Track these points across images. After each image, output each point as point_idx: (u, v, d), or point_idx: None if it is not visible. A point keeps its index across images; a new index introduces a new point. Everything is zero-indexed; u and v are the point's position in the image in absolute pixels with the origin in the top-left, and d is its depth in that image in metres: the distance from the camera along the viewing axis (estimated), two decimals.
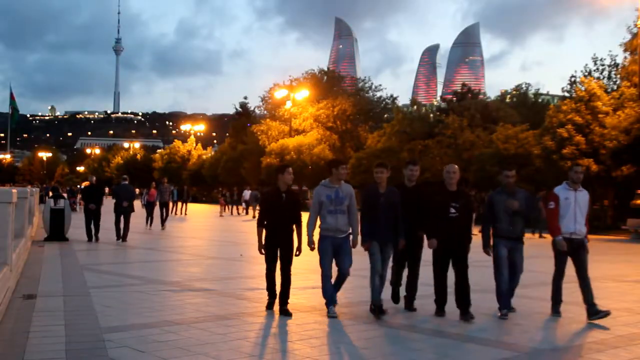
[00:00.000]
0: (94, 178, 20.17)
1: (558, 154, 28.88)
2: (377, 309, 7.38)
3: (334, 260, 7.48)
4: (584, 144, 28.65)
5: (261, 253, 7.81)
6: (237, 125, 73.18)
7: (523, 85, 53.42)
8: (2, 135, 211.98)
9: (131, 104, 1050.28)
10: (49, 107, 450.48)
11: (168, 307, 7.92)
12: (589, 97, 29.62)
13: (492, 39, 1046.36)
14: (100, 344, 5.93)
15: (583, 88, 30.28)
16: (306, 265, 10.71)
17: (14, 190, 9.09)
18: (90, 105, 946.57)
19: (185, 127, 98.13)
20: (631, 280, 11.25)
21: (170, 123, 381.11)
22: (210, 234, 23.33)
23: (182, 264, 13.32)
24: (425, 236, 7.74)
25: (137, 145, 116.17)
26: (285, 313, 7.41)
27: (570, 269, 7.74)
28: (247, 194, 41.17)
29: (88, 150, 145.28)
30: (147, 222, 23.67)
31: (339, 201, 7.40)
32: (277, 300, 7.72)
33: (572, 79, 33.12)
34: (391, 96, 61.48)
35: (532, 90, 53.22)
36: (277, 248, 7.62)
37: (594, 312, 7.43)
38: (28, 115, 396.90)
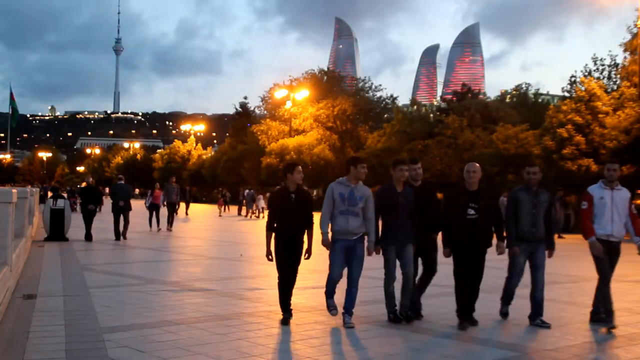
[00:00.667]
0: (91, 179, 20.44)
1: (558, 154, 28.87)
2: (394, 318, 7.04)
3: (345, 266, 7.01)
4: (584, 144, 28.64)
5: (269, 259, 7.22)
6: (237, 125, 73.20)
7: (523, 85, 53.43)
8: (2, 135, 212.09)
9: (131, 104, 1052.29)
10: (49, 107, 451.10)
11: (168, 307, 7.92)
12: (589, 97, 29.61)
13: (492, 39, 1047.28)
14: (100, 344, 5.93)
15: (583, 88, 30.28)
16: (307, 265, 10.68)
17: (14, 190, 9.09)
18: (90, 105, 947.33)
19: (185, 127, 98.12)
20: (631, 280, 11.25)
21: (170, 123, 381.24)
22: (210, 234, 23.33)
23: (182, 264, 13.33)
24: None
25: (137, 145, 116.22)
26: (289, 314, 7.17)
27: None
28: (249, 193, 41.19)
29: (88, 150, 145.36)
30: (150, 225, 22.53)
31: (352, 201, 6.91)
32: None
33: (572, 79, 33.13)
34: (391, 96, 61.51)
35: (532, 90, 53.23)
36: (288, 252, 7.11)
37: (601, 320, 7.12)
38: (28, 115, 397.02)
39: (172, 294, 9.03)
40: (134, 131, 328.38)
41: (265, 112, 65.60)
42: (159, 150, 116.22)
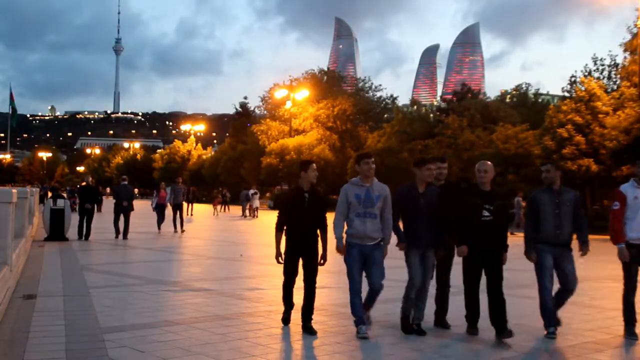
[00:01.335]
0: (90, 178, 20.76)
1: (558, 154, 28.89)
2: (405, 326, 6.62)
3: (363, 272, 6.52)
4: (584, 144, 28.68)
5: (278, 262, 6.78)
6: (237, 125, 73.30)
7: (523, 85, 53.51)
8: (2, 135, 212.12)
9: (131, 104, 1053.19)
10: (49, 107, 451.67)
11: (168, 307, 7.92)
12: (589, 97, 29.66)
13: (492, 39, 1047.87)
14: (100, 344, 5.93)
15: (583, 88, 30.31)
16: None
17: (14, 190, 9.09)
18: (90, 105, 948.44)
19: (185, 127, 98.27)
20: None
21: (170, 123, 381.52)
22: (210, 234, 23.32)
23: (182, 264, 13.33)
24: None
25: (137, 145, 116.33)
26: (309, 331, 6.54)
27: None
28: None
29: (88, 150, 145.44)
30: (159, 227, 21.68)
31: (369, 203, 6.36)
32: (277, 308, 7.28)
33: (572, 79, 33.18)
34: (391, 96, 61.64)
35: (532, 90, 53.28)
36: (299, 256, 6.66)
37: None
38: (28, 115, 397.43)
39: (172, 294, 9.03)
40: (134, 131, 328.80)
41: (265, 112, 65.75)
42: (159, 150, 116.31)
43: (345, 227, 6.50)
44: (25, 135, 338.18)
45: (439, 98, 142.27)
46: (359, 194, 6.40)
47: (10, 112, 55.56)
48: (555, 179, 6.77)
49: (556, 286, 6.73)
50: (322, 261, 6.69)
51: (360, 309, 6.40)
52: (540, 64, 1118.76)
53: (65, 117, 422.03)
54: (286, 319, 6.87)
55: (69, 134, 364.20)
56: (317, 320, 7.17)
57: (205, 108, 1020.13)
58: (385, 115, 58.49)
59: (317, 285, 6.72)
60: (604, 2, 77.24)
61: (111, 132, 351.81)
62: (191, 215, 35.89)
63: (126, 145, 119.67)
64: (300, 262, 6.69)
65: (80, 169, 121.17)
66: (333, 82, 61.65)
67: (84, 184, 20.41)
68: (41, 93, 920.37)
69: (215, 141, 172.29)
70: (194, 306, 8.02)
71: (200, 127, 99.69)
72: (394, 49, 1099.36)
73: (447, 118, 42.94)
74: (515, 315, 7.61)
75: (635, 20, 30.74)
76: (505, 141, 35.20)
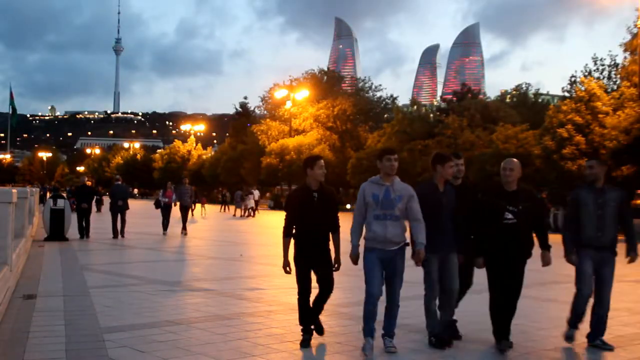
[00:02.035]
0: (86, 178, 21.20)
1: (558, 154, 28.90)
2: (439, 340, 6.06)
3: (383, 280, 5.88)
4: (584, 144, 28.68)
5: (286, 272, 6.14)
6: (237, 125, 73.31)
7: (523, 85, 53.53)
8: (2, 135, 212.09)
9: (131, 104, 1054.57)
10: (49, 107, 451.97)
11: (168, 307, 7.92)
12: (589, 97, 29.66)
13: (492, 39, 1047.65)
14: (100, 344, 5.93)
15: (583, 88, 30.31)
16: None
17: (14, 190, 9.09)
18: (90, 105, 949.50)
19: (185, 127, 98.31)
20: (631, 280, 11.25)
21: (170, 123, 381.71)
22: (210, 234, 23.31)
23: (182, 264, 13.34)
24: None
25: (137, 145, 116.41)
26: (318, 330, 6.25)
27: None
28: (255, 193, 41.42)
29: (88, 150, 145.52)
30: (164, 228, 20.78)
31: (389, 203, 5.74)
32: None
33: (572, 79, 33.17)
34: (391, 96, 61.64)
35: (532, 90, 53.30)
36: (310, 266, 6.07)
37: None
38: (28, 115, 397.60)
39: (172, 294, 9.03)
40: (134, 131, 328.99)
41: (265, 112, 65.76)
42: (159, 150, 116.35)
43: (364, 232, 5.89)
44: (25, 135, 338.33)
45: (439, 98, 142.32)
46: (377, 194, 5.78)
47: (10, 112, 55.59)
48: (599, 176, 6.23)
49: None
50: (336, 265, 6.13)
51: (373, 319, 5.76)
52: (540, 64, 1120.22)
53: (65, 117, 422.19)
54: (306, 342, 6.09)
55: (69, 134, 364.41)
56: None
57: (205, 108, 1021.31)
58: (385, 115, 58.49)
59: (317, 286, 6.35)
60: (604, 2, 77.29)
61: (111, 132, 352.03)
62: (192, 215, 35.70)
63: (126, 145, 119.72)
64: (312, 270, 6.11)
65: (80, 169, 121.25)
66: (333, 82, 61.66)
67: (88, 182, 20.67)
68: (41, 93, 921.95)
69: (215, 141, 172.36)
70: (194, 306, 8.03)
71: (200, 127, 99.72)
72: (394, 49, 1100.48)
73: (447, 118, 42.95)
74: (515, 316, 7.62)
75: (635, 20, 30.76)
76: (505, 141, 35.20)
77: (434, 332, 6.10)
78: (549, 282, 10.30)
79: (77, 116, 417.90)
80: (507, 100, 51.88)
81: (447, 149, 39.93)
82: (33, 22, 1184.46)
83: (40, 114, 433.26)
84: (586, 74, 32.86)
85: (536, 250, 6.15)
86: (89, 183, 20.86)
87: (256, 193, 41.95)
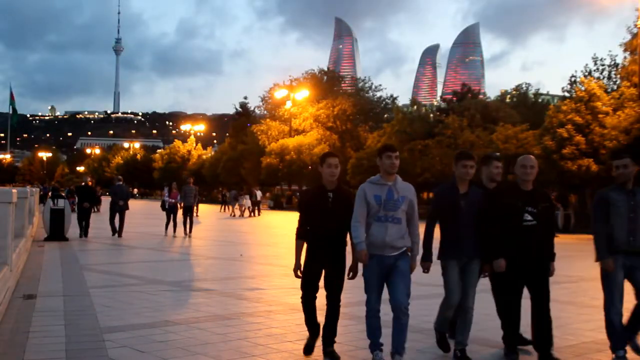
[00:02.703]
0: (88, 179, 21.16)
1: (558, 154, 28.90)
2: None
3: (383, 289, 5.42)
4: (584, 144, 28.69)
5: (297, 276, 5.67)
6: (237, 125, 73.32)
7: (523, 86, 53.48)
8: (2, 135, 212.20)
9: (131, 104, 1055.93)
10: (49, 107, 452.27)
11: (168, 307, 7.92)
12: (589, 97, 29.66)
13: (492, 39, 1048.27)
14: (100, 344, 5.93)
15: (583, 88, 30.32)
16: None
17: (14, 190, 9.09)
18: (90, 105, 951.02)
19: (185, 127, 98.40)
20: None
21: (170, 123, 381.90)
22: (210, 234, 23.31)
23: (182, 264, 13.34)
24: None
25: (137, 145, 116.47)
26: (331, 356, 5.61)
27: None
28: (258, 194, 41.53)
29: (88, 150, 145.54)
30: (166, 229, 20.49)
31: (392, 205, 5.27)
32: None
33: (572, 79, 33.19)
34: (391, 96, 61.66)
35: (532, 90, 53.28)
36: (322, 269, 5.59)
37: None
38: (28, 115, 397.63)
39: (172, 294, 9.03)
40: (134, 131, 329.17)
41: (265, 112, 65.81)
42: (159, 150, 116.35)
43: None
44: (25, 135, 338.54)
45: (439, 98, 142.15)
46: (379, 195, 5.31)
47: (11, 112, 55.62)
48: (631, 176, 5.72)
49: (628, 304, 5.94)
50: (350, 274, 5.60)
51: (377, 332, 5.33)
52: (540, 64, 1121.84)
53: (65, 117, 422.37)
54: (309, 348, 5.73)
55: (69, 134, 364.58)
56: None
57: (205, 108, 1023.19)
58: (385, 115, 58.50)
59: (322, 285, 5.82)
60: (604, 2, 77.30)
61: (111, 132, 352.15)
62: (196, 216, 35.66)
63: (126, 145, 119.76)
64: (323, 275, 5.61)
65: (80, 169, 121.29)
66: (333, 82, 61.71)
67: (89, 182, 20.84)
68: (41, 93, 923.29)
69: (215, 141, 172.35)
70: (194, 306, 8.03)
71: (200, 127, 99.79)
72: (394, 49, 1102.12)
73: (447, 118, 42.92)
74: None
75: (635, 20, 30.76)
76: (505, 141, 35.20)
77: (440, 330, 5.95)
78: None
79: (77, 116, 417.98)
80: (507, 100, 51.84)
81: (447, 149, 39.91)
82: (33, 22, 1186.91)
83: (40, 114, 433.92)
84: (586, 74, 32.88)
85: None
86: (90, 183, 20.94)
87: (258, 193, 42.01)
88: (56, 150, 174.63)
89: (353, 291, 8.91)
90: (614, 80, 33.61)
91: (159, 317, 7.23)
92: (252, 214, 39.27)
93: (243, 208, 38.96)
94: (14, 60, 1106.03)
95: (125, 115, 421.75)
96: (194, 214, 21.29)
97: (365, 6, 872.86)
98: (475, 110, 43.25)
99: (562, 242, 18.09)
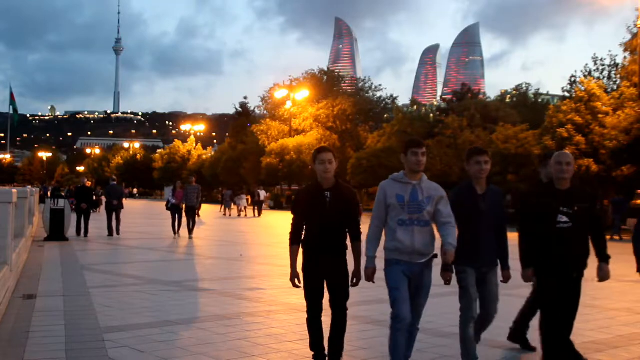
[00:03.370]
0: (85, 180, 21.47)
1: None
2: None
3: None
4: (584, 144, 28.68)
5: (295, 285, 5.14)
6: (237, 125, 73.30)
7: (523, 85, 53.52)
8: (2, 135, 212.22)
9: (131, 104, 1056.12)
10: (49, 107, 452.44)
11: (168, 307, 7.92)
12: (589, 97, 29.67)
13: (492, 39, 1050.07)
14: (100, 344, 5.93)
15: (583, 88, 30.32)
16: None
17: (14, 190, 9.10)
18: (91, 105, 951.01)
19: (185, 127, 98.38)
20: (631, 280, 11.23)
21: (170, 123, 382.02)
22: (210, 234, 23.31)
23: (182, 264, 13.34)
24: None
25: (137, 145, 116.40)
26: None
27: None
28: (262, 194, 41.56)
29: (88, 150, 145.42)
30: (174, 230, 19.96)
31: (416, 207, 4.68)
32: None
33: (572, 79, 33.20)
34: (391, 96, 61.65)
35: (532, 90, 53.31)
36: (323, 280, 5.05)
37: None
38: (28, 115, 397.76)
39: (172, 294, 9.03)
40: (134, 131, 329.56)
41: (265, 112, 65.74)
42: (159, 150, 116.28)
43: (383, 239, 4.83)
44: (25, 135, 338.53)
45: (439, 98, 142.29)
46: (402, 195, 4.71)
47: (11, 112, 55.65)
48: None
49: None
50: (354, 280, 5.08)
51: (402, 351, 4.72)
52: (540, 63, 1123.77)
53: (65, 117, 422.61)
54: None
55: (69, 134, 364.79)
56: None
57: (205, 108, 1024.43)
58: (385, 115, 58.52)
59: None
60: (604, 2, 77.41)
61: (111, 132, 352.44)
62: (198, 216, 35.43)
63: (126, 145, 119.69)
64: (325, 283, 5.09)
65: (80, 169, 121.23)
66: (333, 82, 61.68)
67: (87, 183, 20.99)
68: (41, 93, 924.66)
69: (215, 141, 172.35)
70: (194, 306, 8.03)
71: (200, 127, 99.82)
72: (394, 49, 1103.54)
73: (447, 118, 42.95)
74: (513, 315, 7.60)
75: (635, 20, 30.78)
76: (505, 141, 35.21)
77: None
78: None
79: (77, 116, 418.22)
80: (507, 100, 51.87)
81: (447, 149, 39.96)
82: (33, 22, 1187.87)
83: (40, 114, 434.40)
84: (586, 74, 32.88)
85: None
86: (88, 184, 21.07)
87: (262, 193, 42.03)
88: (56, 150, 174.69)
89: (353, 291, 8.90)
90: (614, 80, 33.61)
91: (159, 317, 7.23)
92: (254, 214, 39.25)
93: (239, 208, 39.04)
94: (14, 60, 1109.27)
95: (125, 115, 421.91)
96: (197, 215, 20.78)
97: (366, 6, 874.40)
98: (475, 110, 43.29)
99: None
